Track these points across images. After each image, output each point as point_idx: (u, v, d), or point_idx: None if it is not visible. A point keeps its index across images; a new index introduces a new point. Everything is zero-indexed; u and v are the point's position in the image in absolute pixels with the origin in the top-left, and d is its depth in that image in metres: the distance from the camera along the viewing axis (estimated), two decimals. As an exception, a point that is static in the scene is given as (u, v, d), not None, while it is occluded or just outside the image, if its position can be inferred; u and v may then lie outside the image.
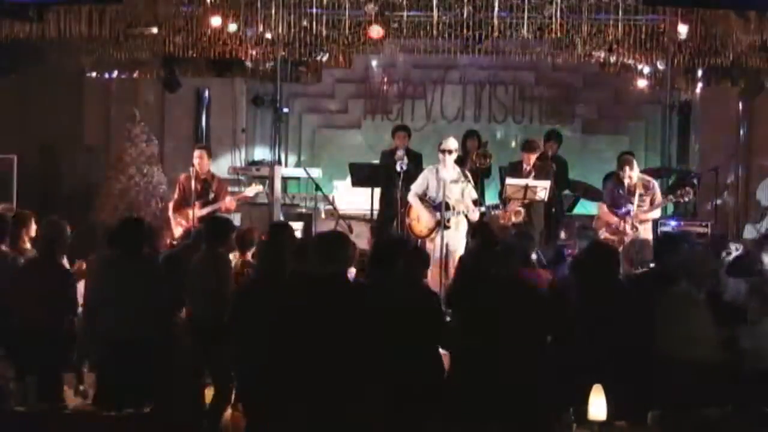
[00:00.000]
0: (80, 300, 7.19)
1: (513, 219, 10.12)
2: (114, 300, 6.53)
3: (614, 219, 9.80)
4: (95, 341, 6.77)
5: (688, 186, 10.78)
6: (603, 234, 9.84)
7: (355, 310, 5.41)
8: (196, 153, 10.24)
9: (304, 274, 5.79)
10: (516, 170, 10.55)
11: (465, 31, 12.50)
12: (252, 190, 10.68)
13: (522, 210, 10.08)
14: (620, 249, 9.43)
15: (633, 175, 9.78)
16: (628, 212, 9.69)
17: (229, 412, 7.32)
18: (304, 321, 5.36)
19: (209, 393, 7.01)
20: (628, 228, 9.65)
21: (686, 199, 10.29)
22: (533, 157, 10.43)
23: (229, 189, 10.80)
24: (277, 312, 5.55)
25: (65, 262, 7.41)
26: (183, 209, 10.11)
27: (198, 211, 9.91)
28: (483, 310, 6.08)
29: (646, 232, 9.73)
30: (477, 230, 8.30)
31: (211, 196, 10.15)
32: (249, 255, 7.81)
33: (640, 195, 9.75)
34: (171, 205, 10.36)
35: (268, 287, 5.95)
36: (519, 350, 5.94)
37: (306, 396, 5.27)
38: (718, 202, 12.55)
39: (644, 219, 9.79)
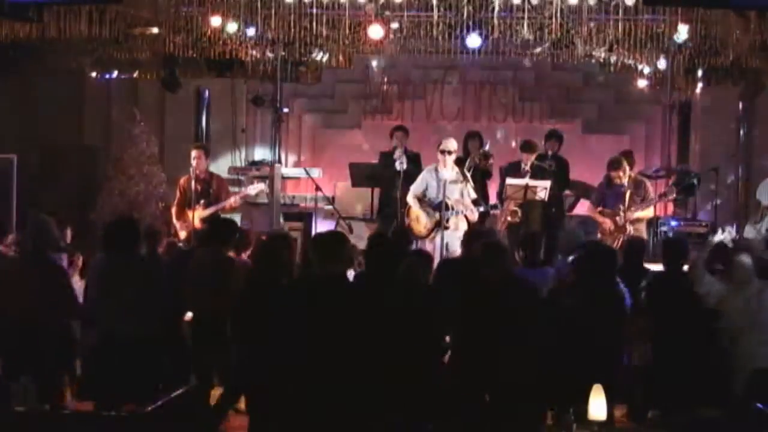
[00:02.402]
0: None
1: (509, 219, 10.14)
2: (111, 300, 6.50)
3: (603, 219, 9.83)
4: (91, 340, 6.74)
5: (673, 184, 10.84)
6: (596, 236, 9.85)
7: (355, 310, 5.41)
8: (194, 153, 10.23)
9: (303, 275, 5.79)
10: (515, 170, 10.59)
11: (465, 31, 12.49)
12: (254, 188, 10.69)
13: (518, 210, 10.09)
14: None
15: (624, 176, 9.82)
16: (617, 212, 9.69)
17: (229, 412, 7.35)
18: (304, 322, 5.36)
19: (213, 393, 7.02)
20: (618, 224, 9.65)
21: (670, 197, 10.37)
22: (532, 158, 10.50)
23: (230, 189, 10.80)
24: (278, 313, 5.55)
25: (62, 258, 7.41)
26: (185, 212, 10.11)
27: (201, 212, 9.92)
28: (482, 310, 6.09)
29: (638, 232, 9.74)
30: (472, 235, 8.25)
31: (212, 195, 10.15)
32: (245, 256, 7.84)
33: (631, 195, 9.77)
34: (173, 209, 10.35)
35: (268, 289, 5.94)
36: (517, 350, 5.94)
37: (307, 396, 5.27)
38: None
39: (635, 219, 9.78)
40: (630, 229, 9.65)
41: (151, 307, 6.43)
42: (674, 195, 10.32)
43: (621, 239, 9.58)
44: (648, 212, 10.08)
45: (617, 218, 9.68)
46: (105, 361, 6.33)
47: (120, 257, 6.59)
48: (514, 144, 14.07)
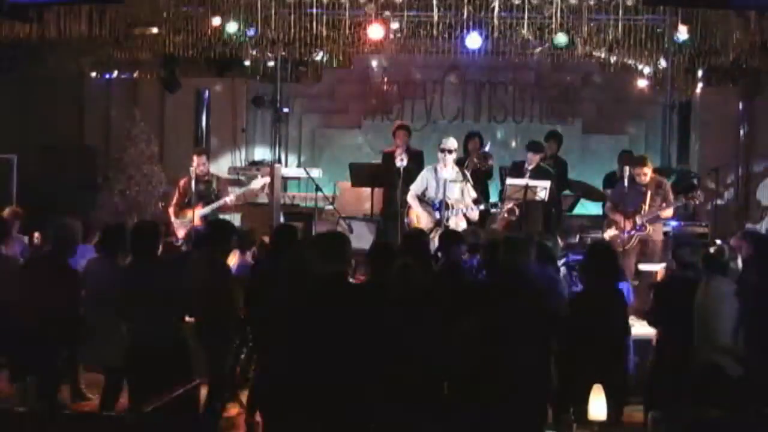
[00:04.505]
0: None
1: (507, 217, 10.12)
2: (132, 304, 6.47)
3: (620, 218, 9.77)
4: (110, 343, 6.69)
5: (700, 189, 10.76)
6: (611, 233, 9.77)
7: (356, 310, 5.41)
8: (197, 159, 10.22)
9: (304, 275, 5.78)
10: (517, 169, 10.57)
11: (465, 31, 12.50)
12: (258, 182, 10.72)
13: (516, 209, 10.06)
14: (627, 247, 9.49)
15: (647, 173, 9.74)
16: (638, 211, 9.62)
17: (233, 411, 7.36)
18: (304, 321, 5.36)
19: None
20: (637, 223, 9.60)
21: (697, 202, 10.29)
22: (537, 158, 10.45)
23: (230, 189, 10.83)
24: (279, 313, 5.55)
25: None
26: (184, 211, 10.13)
27: (201, 210, 9.95)
28: (487, 310, 6.07)
29: (656, 233, 9.70)
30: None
31: (214, 195, 10.19)
32: (248, 256, 7.83)
33: (652, 195, 9.70)
34: (171, 209, 10.36)
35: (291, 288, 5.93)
36: (521, 350, 5.93)
37: (310, 396, 5.27)
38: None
39: (654, 218, 9.71)
40: (649, 228, 9.61)
41: (157, 311, 6.41)
42: (702, 199, 10.27)
43: (638, 238, 9.56)
44: (668, 213, 10.03)
45: (637, 217, 9.61)
46: (139, 366, 6.30)
47: (142, 261, 6.57)
48: (514, 144, 14.09)
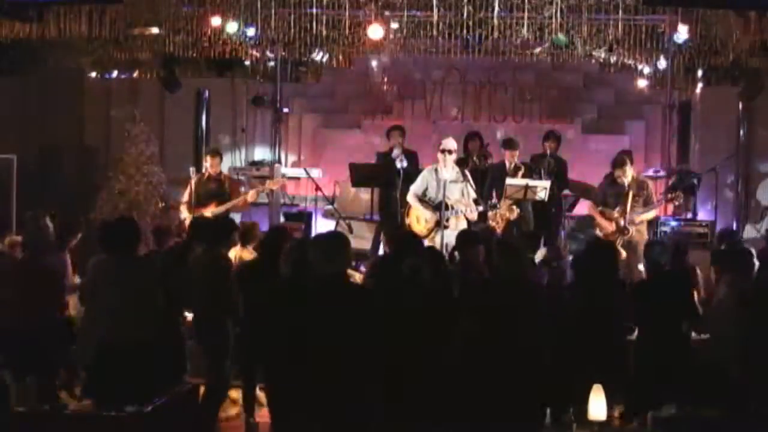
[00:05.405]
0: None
1: (507, 215, 10.12)
2: (109, 302, 6.45)
3: (603, 220, 9.78)
4: (90, 342, 6.69)
5: (680, 190, 10.79)
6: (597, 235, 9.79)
7: (357, 310, 5.41)
8: (210, 160, 10.52)
9: (304, 276, 5.78)
10: (500, 170, 10.62)
11: (465, 31, 12.50)
12: (276, 183, 10.89)
13: (515, 208, 10.07)
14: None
15: (628, 174, 9.75)
16: (621, 214, 9.61)
17: (235, 410, 7.37)
18: (304, 322, 5.35)
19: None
20: (620, 225, 9.59)
21: (676, 203, 10.32)
22: (515, 155, 10.56)
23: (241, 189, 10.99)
24: (280, 315, 5.55)
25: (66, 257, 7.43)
26: (196, 209, 10.21)
27: (215, 209, 10.09)
28: (487, 309, 6.08)
29: (640, 234, 9.68)
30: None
31: (226, 194, 10.39)
32: (250, 248, 7.96)
33: (634, 196, 9.69)
34: (183, 207, 10.44)
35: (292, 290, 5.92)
36: (520, 350, 5.93)
37: (310, 396, 5.28)
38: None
39: (637, 220, 9.68)
40: (632, 230, 9.58)
41: (148, 308, 6.39)
42: (680, 200, 10.29)
43: (622, 240, 9.54)
44: (651, 214, 10.02)
45: (619, 219, 9.60)
46: (105, 364, 6.27)
47: (117, 259, 6.55)
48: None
